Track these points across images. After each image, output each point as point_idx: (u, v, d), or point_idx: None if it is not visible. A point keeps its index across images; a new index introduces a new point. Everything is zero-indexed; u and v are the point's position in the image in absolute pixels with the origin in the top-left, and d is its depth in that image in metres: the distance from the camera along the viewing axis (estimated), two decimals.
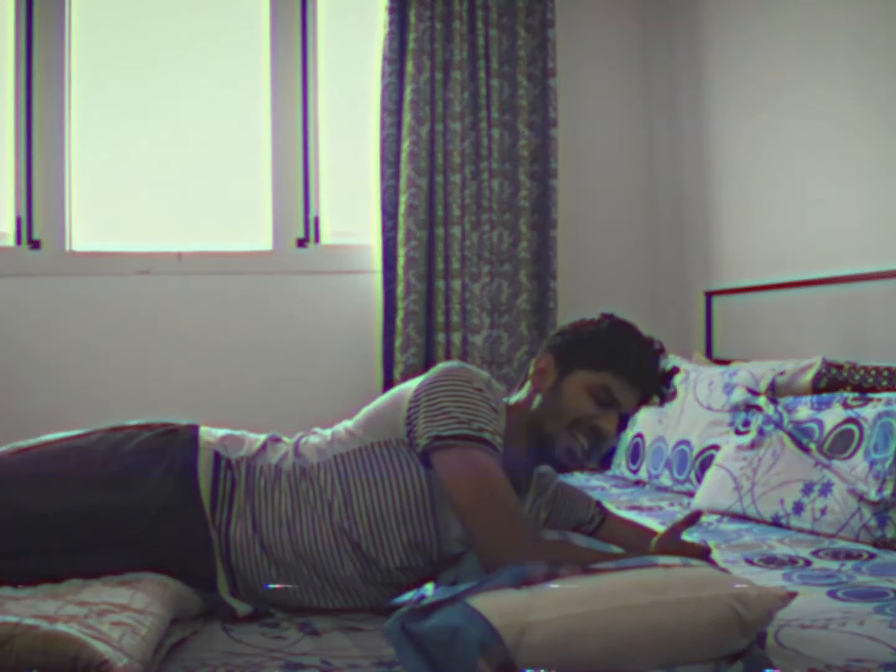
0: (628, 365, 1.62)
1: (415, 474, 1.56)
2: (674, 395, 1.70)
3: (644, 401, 1.66)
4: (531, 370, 1.71)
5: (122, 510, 1.52)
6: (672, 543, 1.54)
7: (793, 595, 1.32)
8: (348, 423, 1.69)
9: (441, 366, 1.63)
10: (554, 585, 1.29)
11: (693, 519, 1.58)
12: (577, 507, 1.84)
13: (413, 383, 1.62)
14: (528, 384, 1.70)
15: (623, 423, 1.66)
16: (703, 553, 1.54)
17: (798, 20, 3.01)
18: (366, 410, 1.68)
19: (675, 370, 1.69)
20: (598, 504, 1.88)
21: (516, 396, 1.71)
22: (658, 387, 1.66)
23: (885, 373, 2.45)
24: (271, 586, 1.57)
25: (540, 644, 1.19)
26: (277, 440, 1.70)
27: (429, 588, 1.67)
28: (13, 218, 3.42)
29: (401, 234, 3.46)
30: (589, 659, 1.21)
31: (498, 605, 1.23)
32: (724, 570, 1.49)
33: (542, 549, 1.48)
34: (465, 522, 1.51)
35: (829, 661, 1.30)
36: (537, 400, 1.65)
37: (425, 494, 1.56)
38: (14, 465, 1.59)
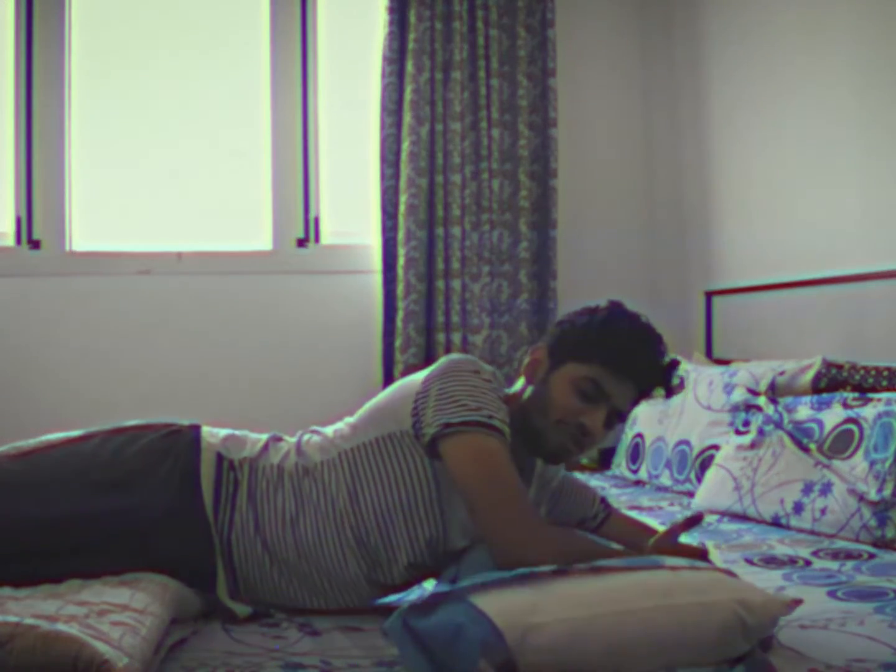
0: (618, 355, 1.57)
1: (420, 467, 1.55)
2: (680, 387, 1.65)
3: (643, 395, 1.62)
4: (526, 360, 1.69)
5: (125, 513, 1.52)
6: (668, 545, 1.52)
7: (798, 602, 1.32)
8: (350, 419, 1.67)
9: (447, 357, 1.62)
10: (560, 584, 1.29)
11: (693, 521, 1.56)
12: (580, 502, 1.82)
13: (419, 375, 1.61)
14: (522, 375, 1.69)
15: (620, 418, 1.62)
16: (700, 555, 1.52)
17: (798, 20, 3.01)
18: (368, 405, 1.67)
19: (676, 362, 1.64)
20: (603, 500, 1.86)
21: (513, 388, 1.69)
22: (656, 379, 1.61)
23: (885, 373, 2.45)
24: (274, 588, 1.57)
25: (543, 646, 1.19)
26: (279, 439, 1.69)
27: (429, 585, 1.67)
28: (13, 218, 3.42)
29: (401, 234, 3.45)
30: (592, 661, 1.21)
31: (502, 604, 1.23)
32: (726, 570, 1.48)
33: (551, 537, 1.46)
34: (474, 508, 1.47)
35: (829, 661, 1.30)
36: (528, 392, 1.64)
37: (431, 487, 1.55)
38: (16, 472, 1.58)
